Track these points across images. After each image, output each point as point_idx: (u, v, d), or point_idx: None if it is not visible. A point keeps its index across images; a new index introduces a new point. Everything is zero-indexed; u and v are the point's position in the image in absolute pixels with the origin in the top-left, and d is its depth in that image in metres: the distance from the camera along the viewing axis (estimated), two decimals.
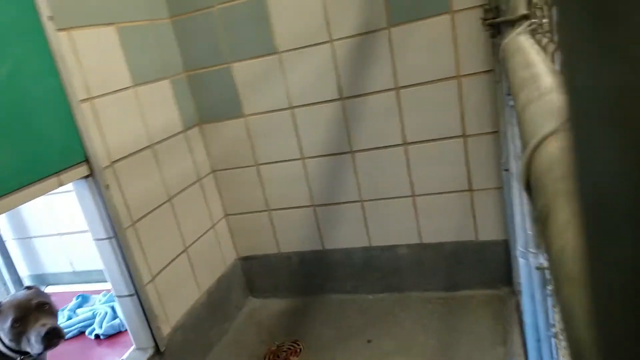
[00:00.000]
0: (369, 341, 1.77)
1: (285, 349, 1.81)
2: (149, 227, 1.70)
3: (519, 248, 1.09)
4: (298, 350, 1.80)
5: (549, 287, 0.94)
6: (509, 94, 0.84)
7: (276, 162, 2.02)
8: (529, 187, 0.28)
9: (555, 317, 0.95)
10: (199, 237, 1.97)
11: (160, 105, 1.85)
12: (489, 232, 1.84)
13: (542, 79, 0.40)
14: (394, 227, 1.96)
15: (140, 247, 1.64)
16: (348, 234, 2.03)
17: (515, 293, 1.80)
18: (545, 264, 0.92)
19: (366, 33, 1.74)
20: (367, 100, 1.82)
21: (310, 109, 1.89)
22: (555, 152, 0.26)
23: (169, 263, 1.78)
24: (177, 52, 1.96)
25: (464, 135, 1.75)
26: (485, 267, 1.88)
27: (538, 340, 1.11)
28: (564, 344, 0.92)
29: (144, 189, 1.70)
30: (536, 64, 0.47)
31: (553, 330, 0.96)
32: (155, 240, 1.72)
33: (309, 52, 1.81)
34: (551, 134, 0.27)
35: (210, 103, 2.02)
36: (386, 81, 1.77)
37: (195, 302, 1.91)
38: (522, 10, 0.68)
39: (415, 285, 1.99)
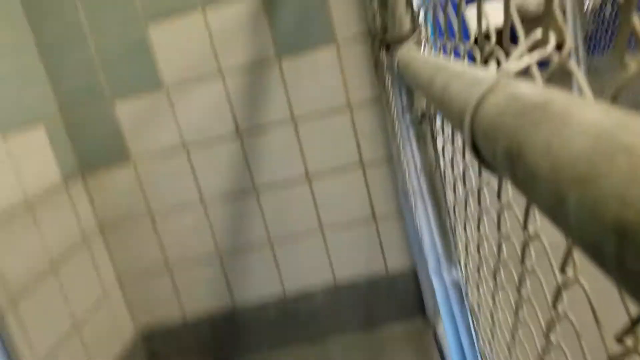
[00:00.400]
0: None
1: None
2: (32, 309, 1.46)
3: (431, 268, 1.11)
4: None
5: (467, 303, 0.96)
6: (405, 108, 0.87)
7: (173, 210, 1.88)
8: (476, 147, 0.27)
9: (481, 333, 0.96)
10: (90, 313, 1.74)
11: (34, 154, 1.64)
12: (397, 263, 1.87)
13: (451, 66, 0.40)
14: (307, 268, 1.91)
15: (24, 336, 1.40)
16: (260, 283, 1.93)
17: (430, 322, 1.82)
18: (461, 276, 0.94)
19: (256, 65, 1.73)
20: (266, 135, 1.79)
21: (206, 147, 1.81)
22: (500, 101, 0.25)
23: (57, 350, 1.54)
24: (50, 89, 1.77)
25: (362, 165, 1.79)
26: (399, 300, 1.90)
27: (461, 358, 1.11)
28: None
29: (22, 259, 1.48)
30: (438, 60, 0.48)
31: (478, 345, 0.97)
32: (40, 324, 1.48)
33: (198, 85, 1.75)
34: (490, 89, 0.26)
35: (92, 148, 1.83)
36: (282, 113, 1.76)
37: None
38: (408, 26, 0.73)
39: (334, 329, 1.93)
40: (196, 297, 1.96)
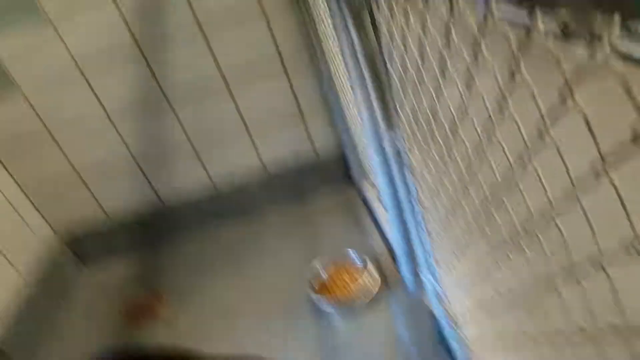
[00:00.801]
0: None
1: (146, 301, 1.75)
2: None
3: (367, 139, 1.26)
4: (161, 297, 1.76)
5: (406, 165, 1.14)
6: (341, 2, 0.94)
7: (75, 123, 1.82)
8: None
9: (422, 190, 1.16)
10: (3, 231, 1.73)
11: None
12: (323, 138, 1.99)
13: None
14: (232, 156, 1.97)
15: None
16: (185, 179, 1.98)
17: (355, 186, 2.04)
18: (402, 141, 1.10)
19: None
20: (171, 44, 1.72)
21: (103, 65, 1.72)
22: None
23: None
24: None
25: (282, 62, 1.80)
26: (326, 172, 2.05)
27: (400, 215, 1.33)
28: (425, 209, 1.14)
29: None
30: None
31: (416, 192, 1.17)
32: None
33: (86, 10, 1.61)
34: None
35: None
36: (188, 22, 1.69)
37: (20, 290, 1.71)
38: None
39: (266, 208, 2.07)
40: (117, 198, 1.98)
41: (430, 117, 0.85)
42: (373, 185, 1.84)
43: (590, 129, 0.36)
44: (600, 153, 0.35)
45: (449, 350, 1.26)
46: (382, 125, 1.14)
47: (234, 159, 1.98)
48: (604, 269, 0.43)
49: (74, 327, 1.78)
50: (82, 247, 2.04)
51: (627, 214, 0.36)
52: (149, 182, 1.95)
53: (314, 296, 1.52)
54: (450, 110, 0.76)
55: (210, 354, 0.85)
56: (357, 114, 1.47)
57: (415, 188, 1.15)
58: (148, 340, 1.62)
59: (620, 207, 0.36)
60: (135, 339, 1.64)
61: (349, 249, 1.67)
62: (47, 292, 1.80)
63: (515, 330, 0.83)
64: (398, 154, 1.15)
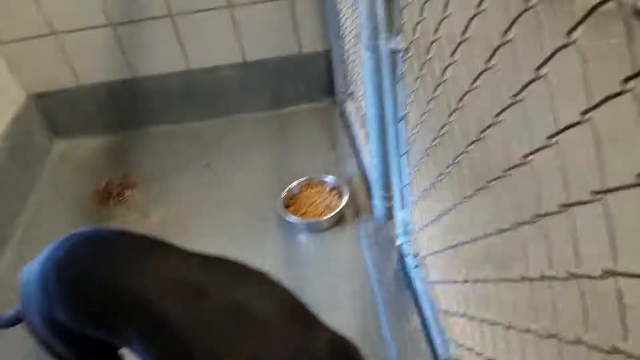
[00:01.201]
0: (205, 165, 1.71)
1: (117, 184, 1.65)
2: None
3: (364, 41, 1.09)
4: (131, 182, 1.66)
5: (401, 70, 0.98)
6: None
7: None
8: None
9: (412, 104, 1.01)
10: None
11: None
12: (311, 44, 1.82)
13: None
14: (214, 45, 1.79)
15: None
16: (161, 57, 1.80)
17: (337, 103, 1.90)
18: (400, 45, 0.94)
19: None
20: None
21: None
22: None
23: None
24: None
25: None
26: (309, 81, 1.91)
27: (380, 130, 1.19)
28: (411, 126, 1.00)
29: None
30: None
31: (405, 111, 1.03)
32: None
33: None
34: None
35: None
36: None
37: None
38: None
39: (242, 106, 1.93)
40: (90, 64, 1.80)
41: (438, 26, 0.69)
42: (357, 107, 1.68)
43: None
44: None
45: (410, 284, 1.18)
46: (382, 19, 0.97)
47: (215, 47, 1.79)
48: None
49: (42, 201, 1.68)
50: (54, 116, 1.90)
51: None
52: (122, 49, 1.76)
53: (283, 210, 1.42)
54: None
55: (181, 247, 0.80)
56: (353, 13, 1.28)
57: (405, 106, 1.00)
58: (117, 225, 1.53)
59: None
60: (104, 222, 1.55)
61: (323, 169, 1.56)
62: (17, 159, 1.67)
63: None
64: (394, 57, 0.99)
